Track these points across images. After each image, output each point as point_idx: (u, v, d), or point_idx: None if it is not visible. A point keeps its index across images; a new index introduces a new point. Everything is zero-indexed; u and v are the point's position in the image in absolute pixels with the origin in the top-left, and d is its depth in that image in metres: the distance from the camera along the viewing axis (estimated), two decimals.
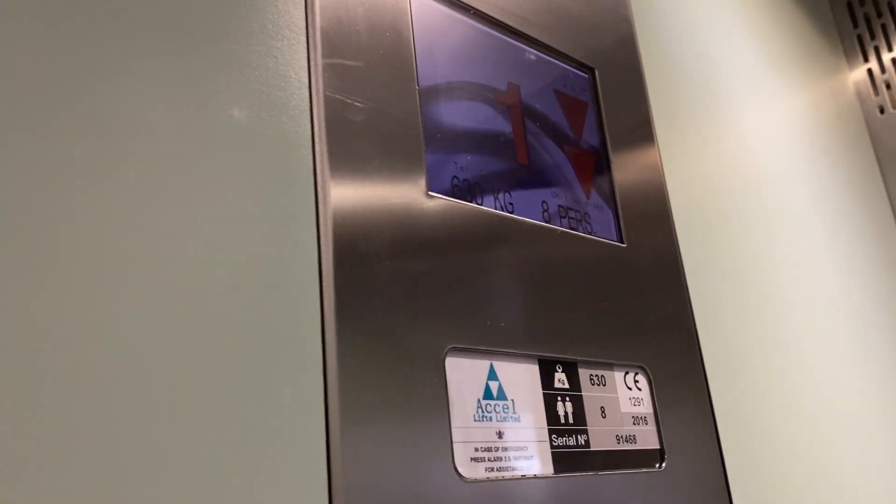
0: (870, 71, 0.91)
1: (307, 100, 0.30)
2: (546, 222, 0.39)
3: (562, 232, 0.40)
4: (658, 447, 0.39)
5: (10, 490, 0.20)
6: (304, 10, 0.31)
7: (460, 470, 0.30)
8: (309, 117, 0.30)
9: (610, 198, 0.44)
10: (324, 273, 0.29)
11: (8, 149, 0.22)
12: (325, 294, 0.28)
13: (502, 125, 0.39)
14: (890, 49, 0.90)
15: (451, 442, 0.30)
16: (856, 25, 0.93)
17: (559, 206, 0.41)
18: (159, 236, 0.24)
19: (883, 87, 0.90)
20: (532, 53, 0.43)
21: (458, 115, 0.37)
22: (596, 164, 0.44)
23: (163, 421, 0.23)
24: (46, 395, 0.21)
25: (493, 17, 0.41)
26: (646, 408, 0.40)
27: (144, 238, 0.24)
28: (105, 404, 0.22)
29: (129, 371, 0.23)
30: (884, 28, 0.91)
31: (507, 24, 0.42)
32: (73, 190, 0.23)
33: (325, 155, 0.30)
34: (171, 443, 0.23)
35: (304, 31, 0.31)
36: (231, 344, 0.25)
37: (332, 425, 0.27)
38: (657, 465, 0.39)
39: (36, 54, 0.23)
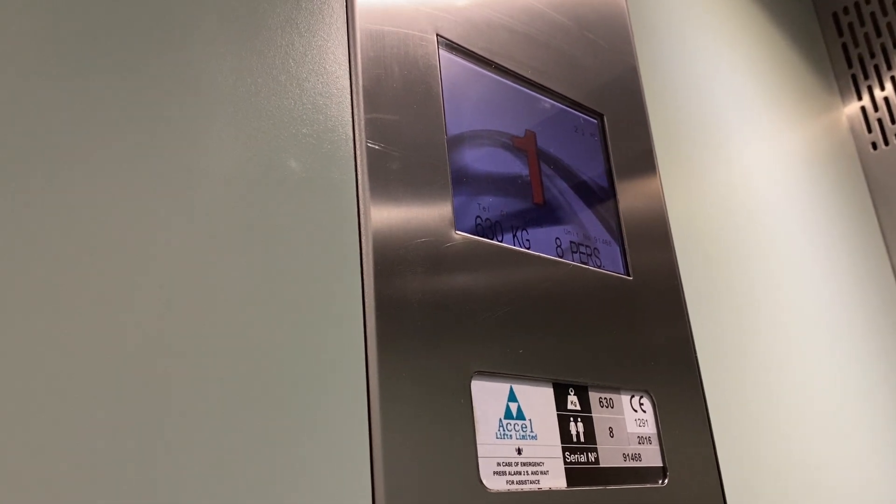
0: (863, 108, 0.95)
1: (352, 151, 0.34)
2: (559, 257, 0.43)
3: (573, 266, 0.43)
4: (661, 465, 0.43)
5: (18, 491, 0.23)
6: (348, 71, 0.36)
7: (485, 482, 0.34)
8: (353, 166, 0.34)
9: (617, 234, 0.48)
10: (366, 304, 0.32)
11: (97, 204, 0.26)
12: (367, 323, 0.32)
13: (520, 168, 0.43)
14: (882, 88, 0.95)
15: (477, 457, 0.34)
16: (850, 66, 0.97)
17: (571, 242, 0.44)
18: (228, 266, 0.28)
19: (876, 125, 0.94)
20: (547, 102, 0.47)
21: (481, 160, 0.41)
22: (605, 203, 0.48)
23: (218, 435, 0.27)
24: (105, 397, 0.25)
25: (512, 70, 0.45)
26: (650, 429, 0.43)
27: (217, 263, 0.28)
28: (167, 421, 0.26)
29: (190, 384, 0.26)
30: (877, 68, 0.95)
31: (524, 77, 0.46)
32: (151, 222, 0.27)
33: (368, 199, 0.34)
34: (227, 457, 0.26)
35: (349, 91, 0.35)
36: (288, 365, 0.29)
37: (374, 440, 0.30)
38: (660, 482, 0.42)
39: (121, 119, 0.27)
